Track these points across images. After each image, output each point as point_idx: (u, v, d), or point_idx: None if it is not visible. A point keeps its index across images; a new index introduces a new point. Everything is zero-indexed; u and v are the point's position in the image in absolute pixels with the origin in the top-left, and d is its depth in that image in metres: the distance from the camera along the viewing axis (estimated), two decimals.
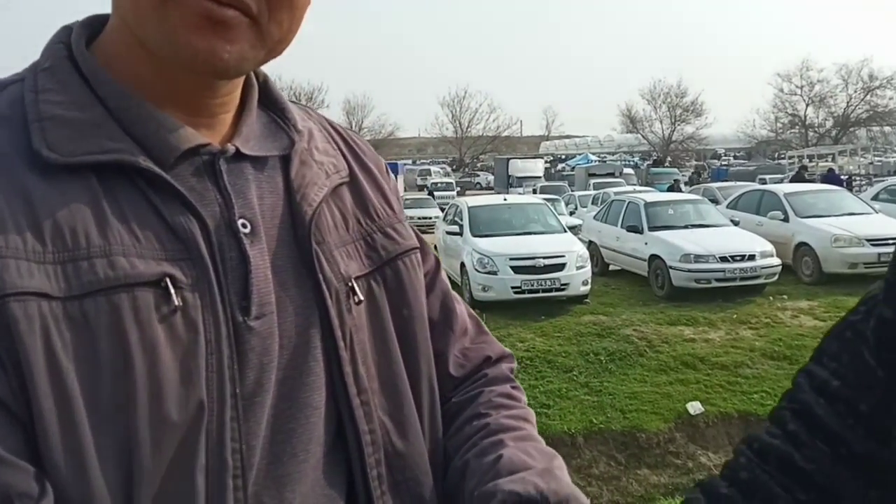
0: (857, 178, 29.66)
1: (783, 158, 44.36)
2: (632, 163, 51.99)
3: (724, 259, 11.11)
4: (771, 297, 11.20)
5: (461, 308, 1.02)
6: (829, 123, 52.26)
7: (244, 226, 0.77)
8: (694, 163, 54.94)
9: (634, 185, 25.98)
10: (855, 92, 50.52)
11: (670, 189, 21.10)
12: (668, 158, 53.72)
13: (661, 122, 57.71)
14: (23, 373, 0.63)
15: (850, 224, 12.43)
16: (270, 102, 0.90)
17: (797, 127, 53.13)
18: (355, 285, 0.84)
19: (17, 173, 0.69)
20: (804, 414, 0.81)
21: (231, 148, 0.79)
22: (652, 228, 12.45)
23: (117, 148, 0.71)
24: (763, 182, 24.55)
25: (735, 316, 10.27)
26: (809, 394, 0.82)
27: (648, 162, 49.72)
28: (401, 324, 0.89)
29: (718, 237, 11.88)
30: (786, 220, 13.18)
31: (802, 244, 12.52)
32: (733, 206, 15.08)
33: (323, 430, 0.81)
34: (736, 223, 13.15)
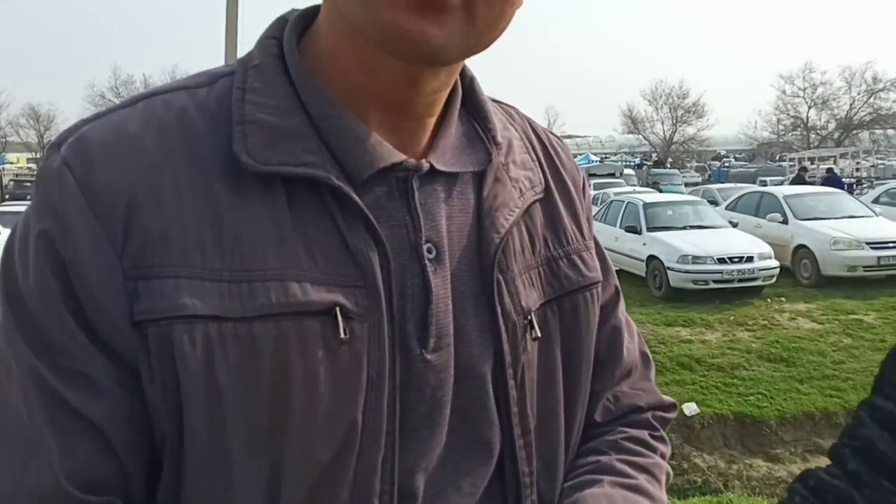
0: (862, 182, 29.50)
1: (784, 160, 44.37)
2: (633, 164, 51.98)
3: (721, 260, 11.12)
4: (769, 300, 11.19)
5: (632, 346, 0.95)
6: (831, 126, 52.18)
7: (429, 251, 0.73)
8: (695, 164, 54.99)
9: (635, 185, 25.92)
10: (858, 94, 50.40)
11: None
12: (670, 159, 53.70)
13: (662, 122, 57.46)
14: (179, 393, 0.64)
15: (850, 227, 12.43)
16: (473, 109, 0.83)
17: (799, 129, 53.04)
18: (534, 319, 0.79)
19: (212, 173, 0.68)
20: (866, 451, 0.76)
21: (426, 165, 0.75)
22: (650, 229, 12.46)
23: (312, 161, 0.69)
24: (763, 184, 24.57)
25: (732, 317, 10.27)
26: (872, 428, 0.77)
27: (649, 163, 49.72)
28: (568, 362, 0.83)
29: (717, 238, 11.90)
30: (785, 222, 13.19)
31: (801, 246, 12.52)
32: (732, 207, 15.09)
33: (491, 468, 0.78)
34: (735, 225, 13.15)
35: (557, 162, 0.90)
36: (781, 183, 24.94)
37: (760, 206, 14.14)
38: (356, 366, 0.68)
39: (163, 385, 0.64)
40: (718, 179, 35.59)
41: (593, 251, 0.89)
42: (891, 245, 11.94)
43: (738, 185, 23.13)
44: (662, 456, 0.90)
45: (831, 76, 56.78)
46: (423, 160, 0.75)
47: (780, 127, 54.04)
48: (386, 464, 0.69)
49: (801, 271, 12.48)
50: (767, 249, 11.65)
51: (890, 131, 49.31)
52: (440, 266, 0.74)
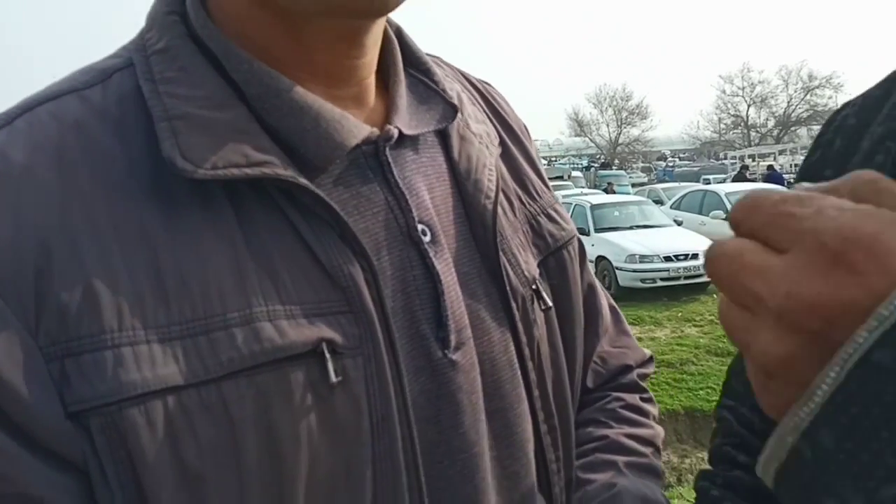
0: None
1: (725, 159, 45.29)
2: (581, 166, 52.52)
3: (668, 258, 11.30)
4: (714, 295, 11.36)
5: (604, 302, 0.88)
6: (770, 123, 53.46)
7: (424, 233, 0.63)
8: (641, 164, 55.83)
9: (583, 187, 26.19)
10: (795, 92, 51.80)
11: (605, 191, 21.44)
12: (616, 161, 54.40)
13: (607, 125, 58.29)
14: (143, 490, 0.49)
15: None
16: (411, 62, 0.72)
17: (740, 127, 54.26)
18: (540, 288, 0.71)
19: (136, 200, 0.53)
20: (746, 446, 0.79)
21: (394, 131, 0.63)
22: (598, 230, 12.59)
23: (266, 160, 0.55)
24: (707, 182, 25.00)
25: (680, 314, 10.43)
26: (741, 429, 0.80)
27: (596, 165, 50.27)
28: (564, 326, 0.76)
29: (663, 237, 12.08)
30: (727, 218, 13.41)
31: None
32: (677, 206, 15.34)
33: (533, 467, 0.70)
34: (679, 223, 13.36)
35: (501, 110, 0.82)
36: (724, 180, 25.45)
37: (704, 204, 14.40)
38: (356, 413, 0.56)
39: (120, 486, 0.49)
40: (664, 179, 36.09)
41: (560, 205, 0.81)
42: None
43: (683, 184, 23.51)
44: (654, 418, 0.87)
45: (769, 75, 58.40)
46: (388, 126, 0.64)
47: (722, 126, 55.26)
48: None
49: None
50: None
51: None
52: (439, 248, 0.64)
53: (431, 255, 0.62)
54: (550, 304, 0.72)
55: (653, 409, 0.87)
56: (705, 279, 11.59)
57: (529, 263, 0.72)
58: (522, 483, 0.68)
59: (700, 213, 14.24)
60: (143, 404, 0.49)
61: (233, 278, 0.53)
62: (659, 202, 16.91)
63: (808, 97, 51.09)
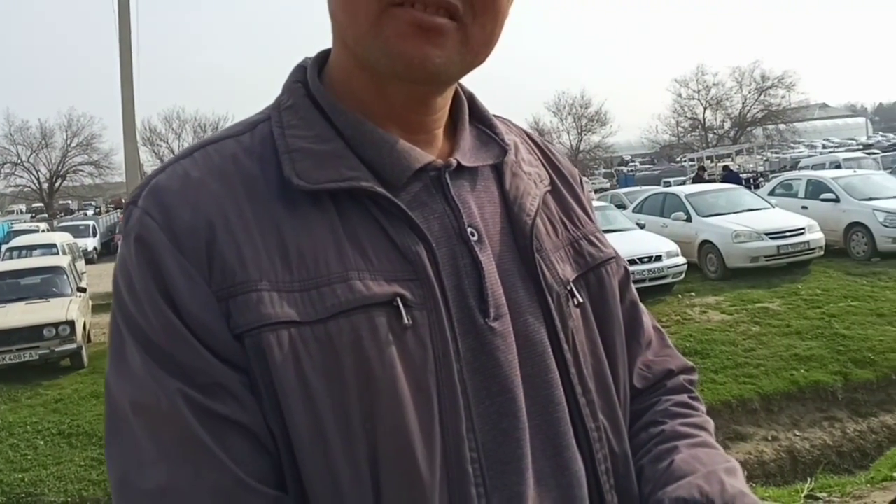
0: (757, 175, 30.51)
1: (683, 161, 45.81)
2: None
3: (631, 262, 11.32)
4: (679, 295, 11.54)
5: (647, 319, 1.05)
6: (727, 125, 54.21)
7: (472, 234, 0.83)
8: (603, 170, 56.28)
9: None
10: (749, 93, 52.58)
11: None
12: (577, 168, 54.70)
13: (568, 132, 58.63)
14: (277, 395, 0.71)
15: (749, 220, 12.92)
16: (478, 118, 0.95)
17: (697, 130, 54.92)
18: (573, 288, 0.89)
19: (270, 204, 0.77)
20: None
21: (453, 161, 0.86)
22: None
23: (354, 176, 0.78)
24: (668, 185, 25.27)
25: None
26: None
27: None
28: (603, 329, 0.92)
29: (625, 241, 12.06)
30: (688, 220, 13.61)
31: (706, 242, 12.96)
32: (639, 209, 15.49)
33: (569, 427, 0.84)
34: (642, 226, 13.50)
35: (555, 161, 1.03)
36: (684, 182, 25.75)
37: (665, 207, 14.56)
38: (422, 348, 0.75)
39: (265, 389, 0.72)
40: (626, 184, 36.41)
41: (603, 234, 1.01)
42: (788, 234, 12.48)
43: (645, 187, 23.75)
44: (703, 412, 1.00)
45: (723, 77, 59.21)
46: (450, 157, 0.86)
47: (680, 129, 55.85)
48: (470, 433, 0.76)
49: (708, 266, 12.92)
50: (674, 248, 12.01)
51: (781, 126, 51.53)
52: (483, 246, 0.83)
53: (477, 250, 0.82)
54: (582, 300, 0.90)
55: (701, 406, 1.01)
56: (670, 280, 11.74)
57: (566, 270, 0.90)
58: (557, 431, 0.83)
59: (661, 215, 14.39)
60: (275, 330, 0.71)
61: (335, 253, 0.76)
62: (622, 206, 17.07)
63: (761, 97, 51.93)
